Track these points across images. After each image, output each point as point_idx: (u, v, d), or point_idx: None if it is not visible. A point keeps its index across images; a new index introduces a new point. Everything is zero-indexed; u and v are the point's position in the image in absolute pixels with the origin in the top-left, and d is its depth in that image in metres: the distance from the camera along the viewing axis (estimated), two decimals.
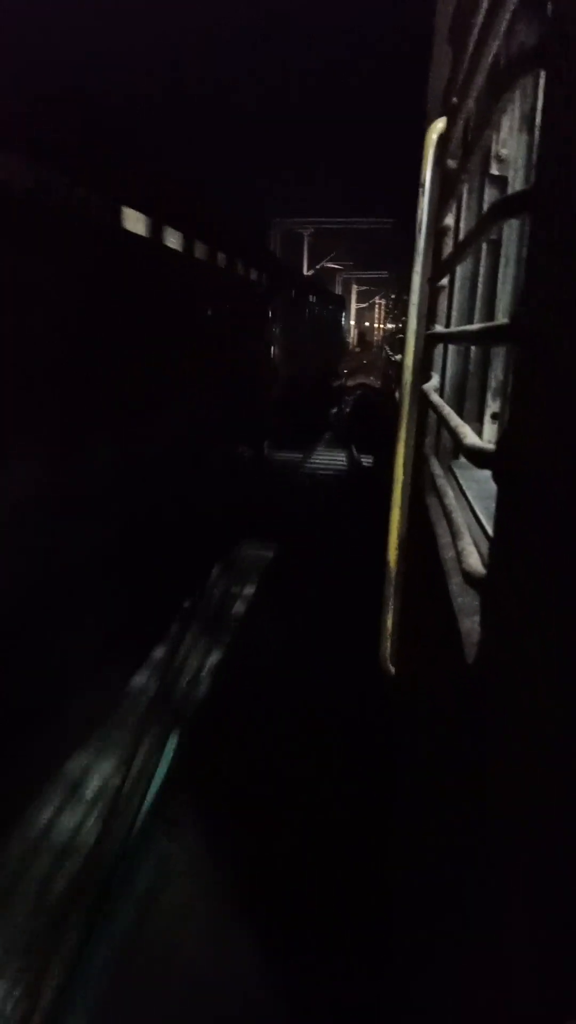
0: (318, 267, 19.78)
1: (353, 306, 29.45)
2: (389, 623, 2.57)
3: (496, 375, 1.82)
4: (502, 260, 1.79)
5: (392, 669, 2.48)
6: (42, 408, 4.95)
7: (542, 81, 2.00)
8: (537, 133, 1.75)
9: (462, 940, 1.05)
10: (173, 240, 7.70)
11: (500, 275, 1.80)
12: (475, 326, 1.45)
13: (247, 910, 2.38)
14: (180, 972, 2.14)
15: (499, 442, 0.84)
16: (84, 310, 5.43)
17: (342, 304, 22.95)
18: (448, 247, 1.88)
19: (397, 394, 3.02)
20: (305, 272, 18.56)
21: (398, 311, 6.27)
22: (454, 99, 1.88)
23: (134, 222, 6.67)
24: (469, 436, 0.97)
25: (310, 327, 15.88)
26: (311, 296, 15.71)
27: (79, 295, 5.36)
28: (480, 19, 1.48)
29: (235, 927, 2.31)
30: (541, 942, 0.76)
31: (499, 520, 0.86)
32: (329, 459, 10.85)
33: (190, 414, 8.16)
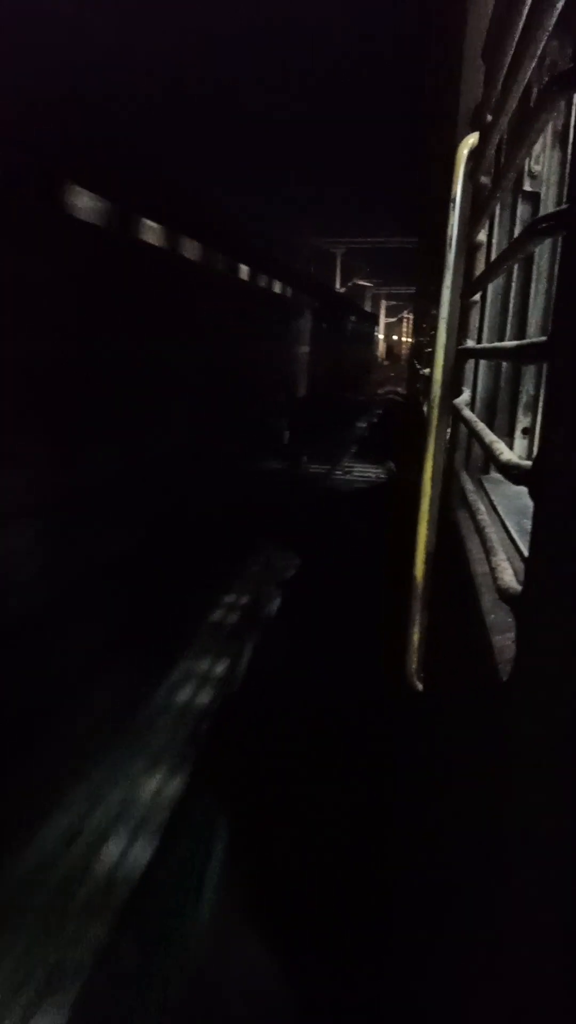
0: (350, 284, 20.57)
1: (382, 320, 30.33)
2: (415, 638, 2.56)
3: (527, 390, 1.82)
4: (534, 274, 1.80)
5: (419, 685, 2.47)
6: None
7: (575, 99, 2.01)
8: (570, 150, 1.75)
9: (480, 952, 1.04)
10: (221, 265, 8.22)
11: (532, 289, 1.80)
12: (510, 343, 1.45)
13: (248, 909, 2.40)
14: (180, 968, 2.15)
15: (535, 459, 0.85)
16: (147, 335, 6.03)
17: (371, 319, 23.65)
18: (480, 262, 1.88)
19: (425, 407, 3.01)
20: (338, 288, 19.16)
21: (426, 325, 6.30)
22: (488, 116, 1.89)
23: (191, 251, 7.23)
24: (505, 452, 0.97)
25: (341, 342, 16.55)
26: (341, 313, 16.33)
27: (144, 322, 5.99)
28: (515, 38, 1.49)
29: (235, 925, 2.32)
30: (554, 940, 0.75)
31: (535, 537, 0.86)
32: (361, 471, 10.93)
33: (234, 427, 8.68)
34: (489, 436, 1.09)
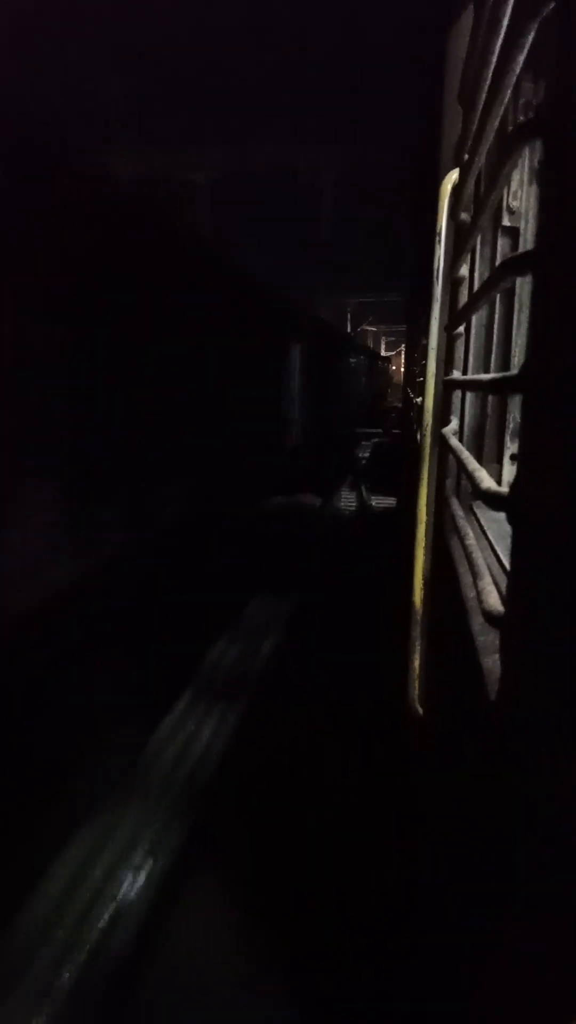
0: (359, 329, 28.40)
1: (383, 353, 35.37)
2: (416, 664, 2.58)
3: (514, 417, 1.86)
4: (516, 306, 1.85)
5: (420, 710, 2.49)
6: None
7: None
8: (541, 191, 1.82)
9: (481, 937, 1.05)
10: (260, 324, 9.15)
11: (515, 320, 1.86)
12: (487, 376, 1.50)
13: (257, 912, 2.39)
14: (187, 969, 2.15)
15: (512, 486, 0.88)
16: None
17: (374, 354, 29.39)
18: (463, 295, 1.94)
19: (418, 435, 3.06)
20: (349, 331, 26.33)
21: (416, 355, 6.50)
22: (466, 155, 1.97)
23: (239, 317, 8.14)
24: (485, 480, 1.01)
25: (355, 374, 21.92)
26: (353, 350, 21.29)
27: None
28: (487, 80, 1.56)
29: (246, 926, 2.32)
30: (560, 937, 0.77)
31: (514, 561, 0.89)
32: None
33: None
34: (472, 464, 1.13)
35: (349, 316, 27.31)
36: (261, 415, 12.05)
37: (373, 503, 10.77)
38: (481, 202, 1.45)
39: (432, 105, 3.61)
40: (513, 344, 1.84)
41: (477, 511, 1.86)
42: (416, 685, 2.61)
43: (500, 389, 1.20)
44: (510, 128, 1.94)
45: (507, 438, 1.87)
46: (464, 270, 1.91)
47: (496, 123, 1.49)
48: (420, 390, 2.73)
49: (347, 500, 11.15)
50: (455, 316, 1.89)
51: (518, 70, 1.30)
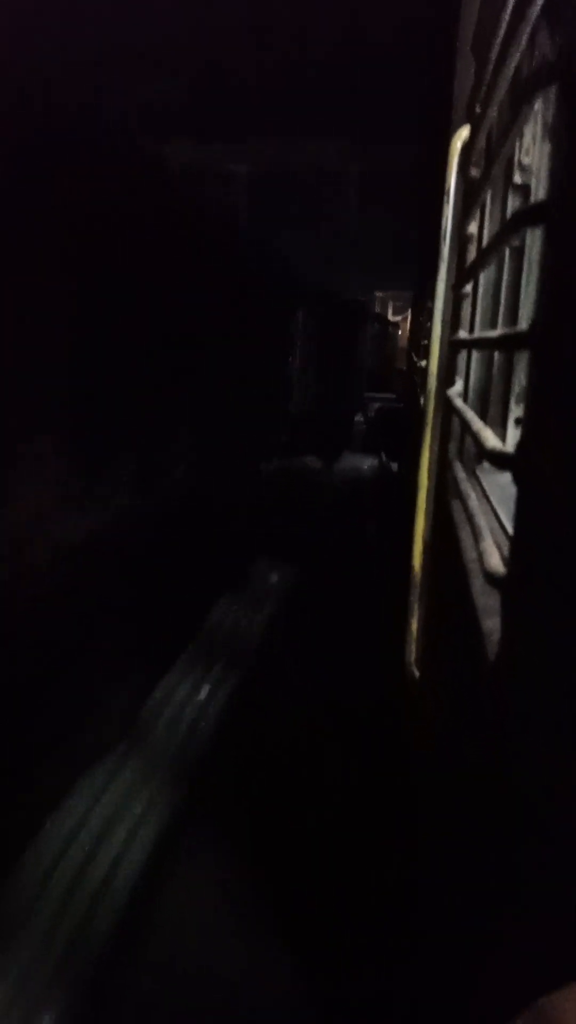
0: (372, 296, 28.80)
1: (391, 318, 37.09)
2: (414, 627, 2.59)
3: (520, 380, 1.84)
4: (525, 265, 1.82)
5: (417, 673, 2.50)
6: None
7: None
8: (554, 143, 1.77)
9: (481, 936, 1.07)
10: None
11: (524, 280, 1.82)
12: (495, 332, 1.47)
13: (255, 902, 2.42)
14: (185, 961, 2.17)
15: (518, 445, 0.87)
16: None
17: (383, 320, 30.85)
18: (472, 254, 1.90)
19: (421, 399, 3.03)
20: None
21: (422, 319, 6.46)
22: (477, 108, 1.91)
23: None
24: (490, 440, 0.99)
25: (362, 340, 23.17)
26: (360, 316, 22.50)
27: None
28: (502, 30, 1.50)
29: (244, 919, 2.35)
30: (560, 936, 0.78)
31: (518, 520, 0.88)
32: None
33: None
34: (477, 424, 1.11)
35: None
36: (266, 381, 12.33)
37: (376, 467, 10.78)
38: (493, 155, 1.41)
39: (445, 61, 3.51)
40: (521, 306, 1.81)
41: (480, 475, 1.84)
42: (414, 648, 2.63)
43: (507, 346, 1.18)
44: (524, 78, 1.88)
45: (512, 402, 1.85)
46: (473, 227, 1.87)
47: (510, 73, 1.45)
48: (425, 353, 2.70)
49: (352, 464, 11.16)
50: (463, 274, 1.85)
51: (534, 18, 1.25)
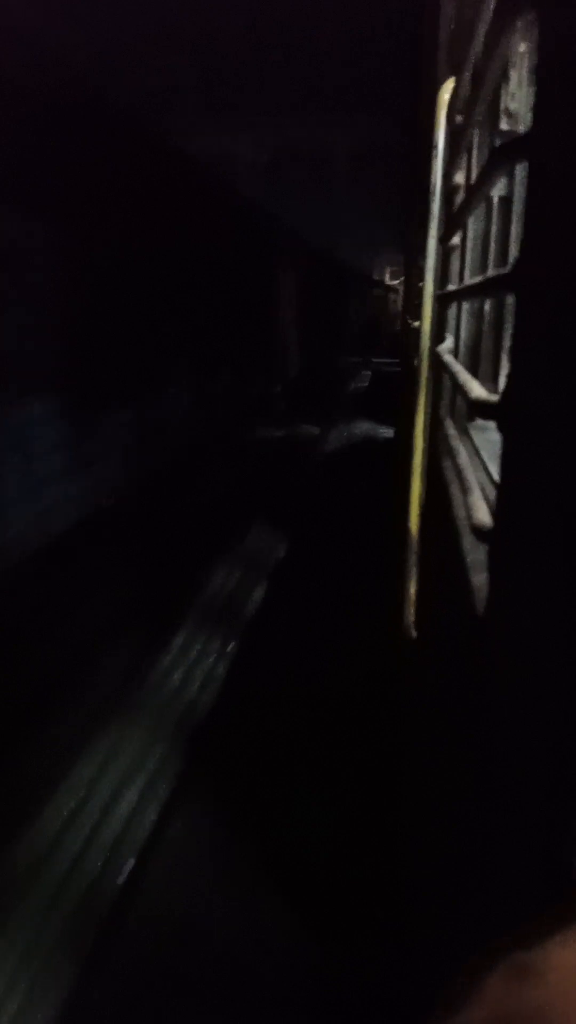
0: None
1: (387, 282, 37.80)
2: (412, 589, 2.58)
3: (510, 335, 1.80)
4: (514, 217, 1.77)
5: (414, 634, 2.50)
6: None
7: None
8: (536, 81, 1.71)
9: (472, 905, 1.07)
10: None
11: (512, 232, 1.78)
12: (478, 279, 1.43)
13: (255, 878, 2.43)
14: (183, 948, 2.18)
15: (503, 392, 0.85)
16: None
17: (381, 284, 33.36)
18: (459, 204, 1.85)
19: (415, 360, 2.99)
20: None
21: (413, 279, 6.45)
22: (458, 54, 1.85)
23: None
24: (475, 389, 0.97)
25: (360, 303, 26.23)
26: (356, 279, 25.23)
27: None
28: None
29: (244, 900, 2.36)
30: (547, 901, 0.77)
31: (504, 470, 0.86)
32: None
33: None
34: (464, 375, 1.08)
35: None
36: (261, 344, 12.23)
37: (370, 430, 10.75)
38: (473, 97, 1.36)
39: (431, 14, 3.41)
40: (510, 258, 1.76)
41: (472, 432, 1.82)
42: (411, 610, 2.62)
43: (491, 290, 1.14)
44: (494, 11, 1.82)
45: (503, 357, 1.82)
46: (459, 177, 1.82)
47: (488, 16, 1.39)
48: (417, 313, 2.65)
49: (347, 428, 11.12)
50: (451, 223, 1.81)
51: None
